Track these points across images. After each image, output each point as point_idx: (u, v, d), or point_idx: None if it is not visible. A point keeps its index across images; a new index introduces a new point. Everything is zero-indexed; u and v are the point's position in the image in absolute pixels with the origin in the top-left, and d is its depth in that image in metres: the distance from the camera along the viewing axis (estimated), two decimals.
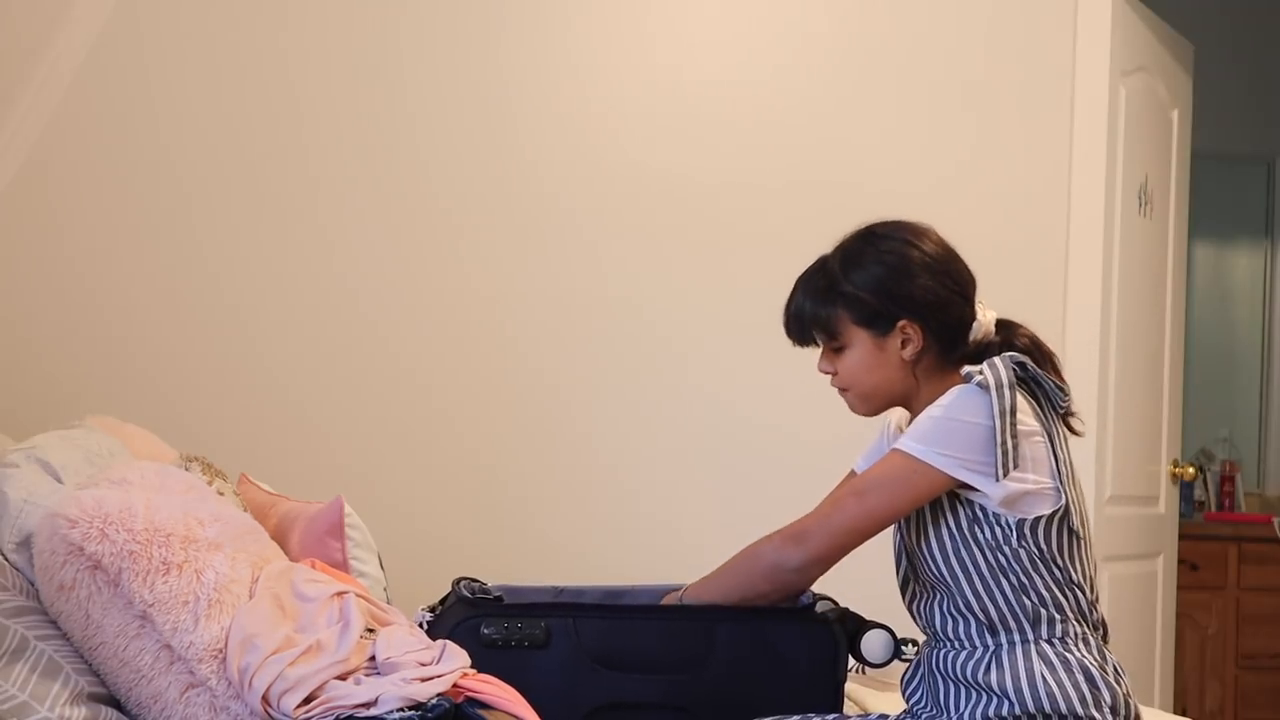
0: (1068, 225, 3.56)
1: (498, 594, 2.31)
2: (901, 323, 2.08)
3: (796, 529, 2.12)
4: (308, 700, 1.80)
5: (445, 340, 3.41)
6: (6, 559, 1.99)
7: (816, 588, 2.27)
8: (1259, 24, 5.32)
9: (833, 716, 2.15)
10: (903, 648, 2.29)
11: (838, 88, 3.52)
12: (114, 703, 1.86)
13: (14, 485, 2.09)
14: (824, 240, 3.47)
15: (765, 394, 3.47)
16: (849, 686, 2.37)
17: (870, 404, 2.16)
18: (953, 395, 2.01)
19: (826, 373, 2.17)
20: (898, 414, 2.25)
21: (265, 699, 1.79)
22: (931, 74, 3.53)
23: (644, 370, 3.46)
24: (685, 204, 3.47)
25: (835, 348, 2.13)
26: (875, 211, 3.49)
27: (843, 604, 2.36)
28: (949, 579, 2.04)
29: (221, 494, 2.29)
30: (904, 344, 2.09)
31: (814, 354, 3.50)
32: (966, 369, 2.02)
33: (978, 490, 2.00)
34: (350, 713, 1.78)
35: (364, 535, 2.50)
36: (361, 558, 2.47)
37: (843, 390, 2.16)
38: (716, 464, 3.47)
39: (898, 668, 2.63)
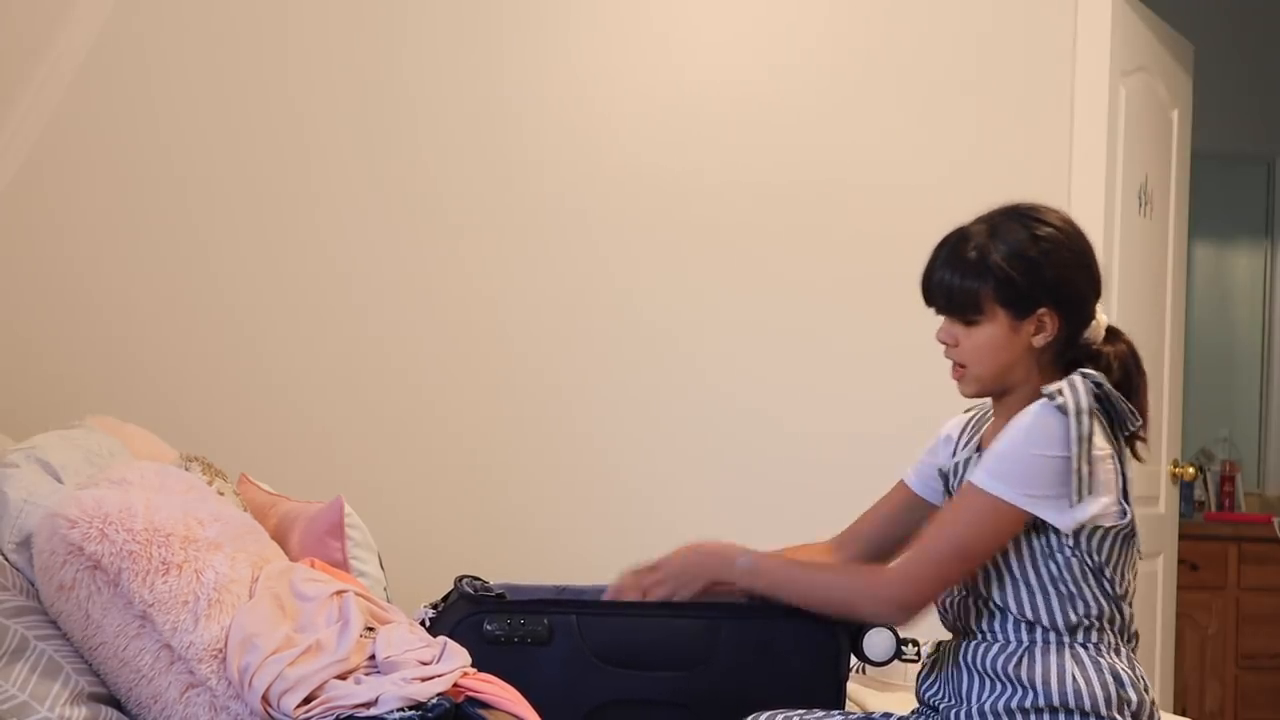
0: None
1: (500, 591, 2.31)
2: (1042, 309, 2.04)
3: (904, 596, 2.06)
4: (308, 700, 1.80)
5: (446, 340, 3.41)
6: (6, 559, 1.99)
7: None
8: (1259, 24, 5.32)
9: (836, 713, 2.14)
10: (904, 647, 2.29)
11: (839, 88, 3.52)
12: (114, 703, 1.86)
13: (14, 485, 2.09)
14: (824, 239, 3.49)
15: (766, 392, 3.47)
16: (850, 686, 2.37)
17: (982, 385, 2.09)
18: (1031, 419, 1.97)
19: (946, 343, 2.09)
20: (954, 420, 2.25)
21: (265, 699, 1.79)
22: (932, 74, 3.53)
23: (645, 369, 3.46)
24: (685, 202, 3.47)
25: (968, 321, 2.06)
26: (874, 211, 3.51)
27: None
28: (994, 581, 2.03)
29: (221, 494, 2.28)
30: (1038, 331, 2.05)
31: (812, 352, 3.51)
32: (1047, 387, 1.99)
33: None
34: (350, 712, 1.78)
35: (364, 535, 2.49)
36: (361, 557, 2.47)
37: (958, 366, 2.09)
38: (718, 463, 3.46)
39: (899, 667, 2.63)
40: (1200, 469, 5.09)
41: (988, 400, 2.25)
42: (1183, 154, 4.11)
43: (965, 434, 2.23)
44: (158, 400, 3.23)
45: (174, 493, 2.01)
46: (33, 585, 1.93)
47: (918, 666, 2.63)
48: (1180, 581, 4.23)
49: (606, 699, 2.22)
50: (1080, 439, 1.95)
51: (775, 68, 3.51)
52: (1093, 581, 2.01)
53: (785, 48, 3.52)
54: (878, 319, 3.43)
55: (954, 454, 2.21)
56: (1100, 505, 1.99)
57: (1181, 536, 4.25)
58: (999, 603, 2.04)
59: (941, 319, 2.11)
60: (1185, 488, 4.93)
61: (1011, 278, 2.02)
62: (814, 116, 3.51)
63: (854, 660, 2.35)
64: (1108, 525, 2.00)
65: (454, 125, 3.41)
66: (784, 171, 3.49)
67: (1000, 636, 2.05)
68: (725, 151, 3.48)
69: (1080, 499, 1.95)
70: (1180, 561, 4.24)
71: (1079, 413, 1.96)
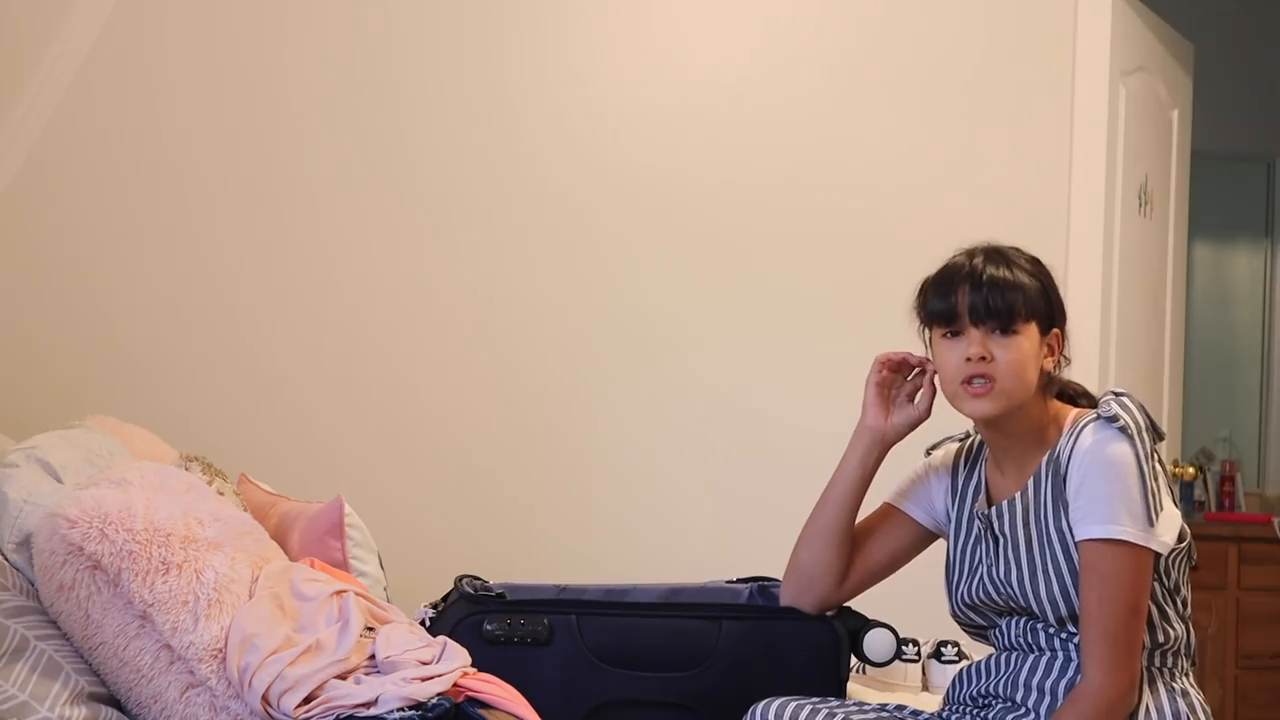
0: (1068, 225, 3.56)
1: (500, 591, 2.31)
2: (1055, 329, 2.02)
3: (1123, 685, 1.92)
4: (308, 700, 1.80)
5: (445, 340, 3.41)
6: (6, 559, 1.99)
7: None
8: (1259, 24, 5.32)
9: (851, 702, 2.13)
10: (904, 647, 2.29)
11: (837, 88, 3.52)
12: (114, 703, 1.86)
13: (14, 485, 2.09)
14: (824, 239, 3.49)
15: (764, 392, 3.47)
16: (850, 686, 2.37)
17: (1010, 403, 1.97)
18: (1116, 456, 1.92)
19: (981, 357, 1.96)
20: (940, 454, 2.21)
21: (265, 699, 1.79)
22: (931, 74, 3.53)
23: (643, 370, 3.46)
24: (684, 203, 3.47)
25: (1010, 329, 1.97)
26: (874, 211, 3.51)
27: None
28: (1073, 615, 1.98)
29: (221, 494, 2.28)
30: (1049, 353, 2.01)
31: (811, 351, 3.50)
32: (1107, 409, 1.94)
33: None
34: (350, 712, 1.78)
35: (364, 535, 2.49)
36: (361, 557, 2.46)
37: (988, 380, 1.96)
38: (717, 463, 3.46)
39: (899, 667, 2.62)
40: (1200, 469, 5.09)
41: (960, 435, 2.23)
42: (1183, 154, 4.11)
43: (962, 474, 2.17)
44: (158, 400, 3.23)
45: (174, 493, 2.01)
46: (33, 585, 1.93)
47: (918, 667, 2.63)
48: None
49: (606, 699, 2.22)
50: (1147, 457, 1.92)
51: (774, 68, 3.51)
52: (1172, 602, 2.00)
53: (783, 48, 3.52)
54: (877, 319, 3.41)
55: (963, 500, 2.15)
56: (1176, 522, 1.96)
57: None
58: (1075, 629, 1.98)
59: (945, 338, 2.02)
60: (1185, 488, 4.93)
61: (1045, 288, 2.01)
62: (812, 117, 3.51)
63: (854, 660, 2.36)
64: (1177, 544, 1.97)
65: (453, 125, 3.41)
66: (784, 172, 3.49)
67: (1076, 656, 1.98)
68: (724, 152, 3.48)
69: (1156, 519, 1.91)
70: None
71: (1139, 430, 1.93)
